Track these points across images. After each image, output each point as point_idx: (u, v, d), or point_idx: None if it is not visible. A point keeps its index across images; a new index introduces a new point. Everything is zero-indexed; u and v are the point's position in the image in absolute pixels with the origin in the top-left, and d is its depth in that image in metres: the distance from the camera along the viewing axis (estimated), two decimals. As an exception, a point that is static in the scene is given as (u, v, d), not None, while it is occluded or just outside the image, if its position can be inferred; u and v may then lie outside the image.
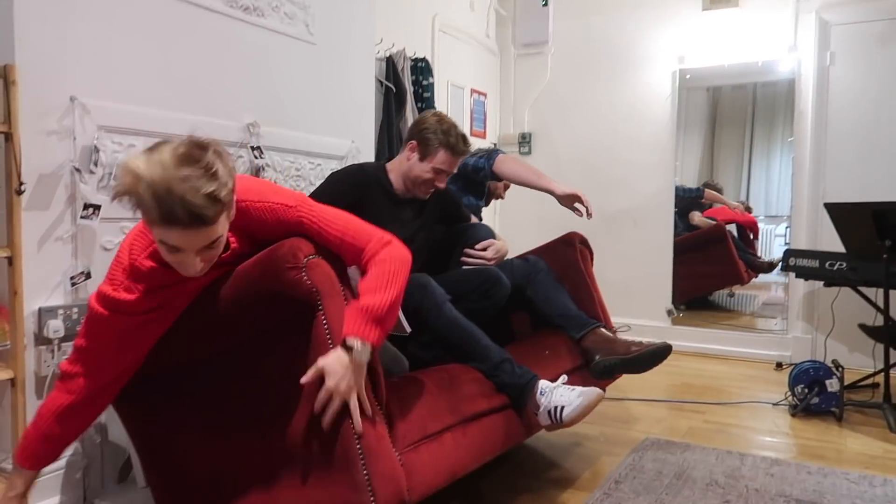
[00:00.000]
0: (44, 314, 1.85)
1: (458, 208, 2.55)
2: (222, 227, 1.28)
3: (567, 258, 2.50)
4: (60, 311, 1.88)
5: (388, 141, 3.53)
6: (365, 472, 1.29)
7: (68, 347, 1.90)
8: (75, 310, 1.92)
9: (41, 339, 1.86)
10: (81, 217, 1.92)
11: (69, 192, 1.91)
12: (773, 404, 3.17)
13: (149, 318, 1.42)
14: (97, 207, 1.94)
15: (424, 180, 2.23)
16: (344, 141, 2.95)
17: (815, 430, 2.81)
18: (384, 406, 1.41)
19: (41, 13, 1.82)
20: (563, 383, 1.89)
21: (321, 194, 2.09)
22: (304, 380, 1.30)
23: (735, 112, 4.71)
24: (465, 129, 4.57)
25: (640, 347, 2.23)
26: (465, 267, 2.35)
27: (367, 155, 3.16)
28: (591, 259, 2.58)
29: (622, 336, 2.39)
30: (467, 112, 4.56)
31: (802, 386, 3.01)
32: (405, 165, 2.25)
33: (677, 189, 4.60)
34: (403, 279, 1.42)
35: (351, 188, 2.17)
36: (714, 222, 4.72)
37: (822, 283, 3.45)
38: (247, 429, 1.43)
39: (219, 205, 1.22)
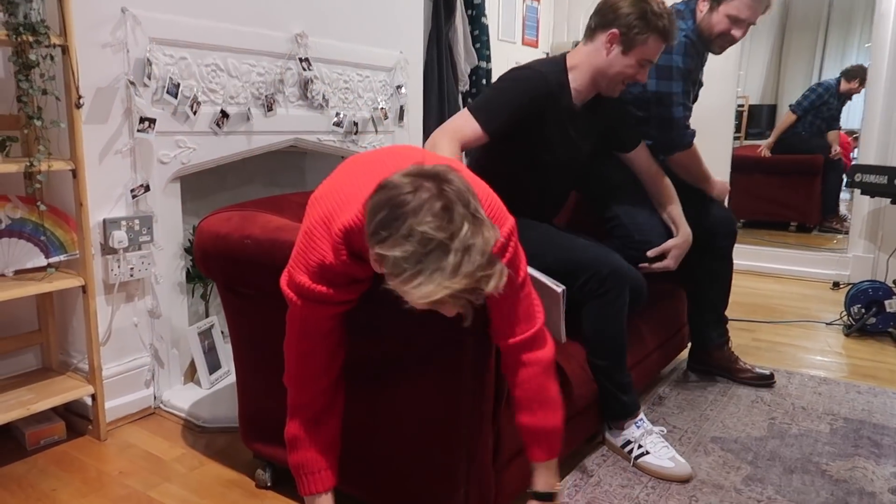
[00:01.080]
0: (108, 225, 1.93)
1: (628, 127, 2.07)
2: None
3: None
4: (123, 223, 1.96)
5: (438, 51, 3.44)
6: (465, 479, 1.33)
7: (133, 257, 1.99)
8: (137, 221, 1.99)
9: (107, 249, 1.95)
10: (138, 130, 1.96)
11: (125, 105, 1.94)
12: (827, 324, 3.12)
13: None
14: (153, 121, 1.98)
15: (627, 76, 1.83)
16: (392, 52, 2.89)
17: (869, 351, 2.77)
18: (496, 419, 1.38)
19: (88, -79, 1.80)
20: (663, 435, 1.82)
21: (494, 104, 1.77)
22: None
23: (808, 14, 4.40)
24: (517, 38, 4.42)
25: (748, 376, 2.37)
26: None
27: (416, 66, 3.09)
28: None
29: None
30: (520, 20, 4.38)
31: (859, 306, 2.94)
32: (602, 61, 1.81)
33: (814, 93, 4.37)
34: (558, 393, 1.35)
35: (531, 103, 1.78)
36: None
37: (888, 200, 3.30)
38: (361, 383, 1.41)
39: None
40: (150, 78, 1.97)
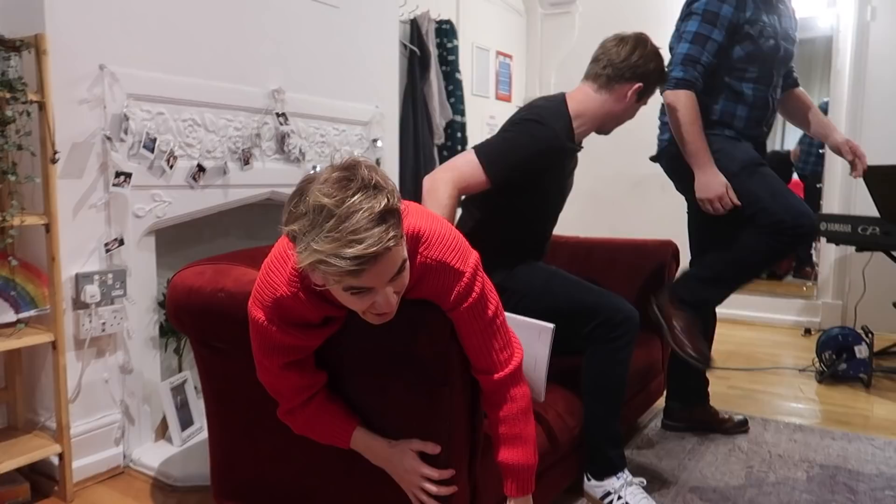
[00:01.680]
0: (80, 279, 1.91)
1: None
2: (402, 249, 1.07)
3: (653, 265, 2.42)
4: (96, 277, 1.94)
5: (413, 105, 3.51)
6: None
7: (105, 312, 1.97)
8: (110, 275, 1.97)
9: (79, 304, 1.92)
10: (113, 185, 1.96)
11: (101, 160, 1.95)
12: (800, 370, 3.15)
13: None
14: (128, 175, 1.98)
15: (628, 119, 1.97)
16: (368, 106, 2.95)
17: (841, 397, 2.80)
18: (473, 470, 1.37)
19: (69, -18, 1.84)
20: (643, 486, 1.81)
21: (503, 153, 1.77)
22: None
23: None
24: (490, 93, 4.53)
25: (729, 425, 2.33)
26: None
27: (392, 120, 3.15)
28: (676, 269, 2.50)
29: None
30: (492, 75, 4.50)
31: (830, 352, 2.99)
32: (620, 109, 1.90)
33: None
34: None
35: (540, 157, 1.80)
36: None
37: (853, 248, 3.39)
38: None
39: (396, 237, 1.02)
40: (126, 133, 1.98)
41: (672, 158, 2.20)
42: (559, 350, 1.58)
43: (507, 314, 1.38)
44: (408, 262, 1.10)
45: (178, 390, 2.22)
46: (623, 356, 1.75)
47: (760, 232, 1.97)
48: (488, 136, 1.89)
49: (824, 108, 4.14)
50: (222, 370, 1.57)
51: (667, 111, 2.08)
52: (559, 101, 1.91)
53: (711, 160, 2.03)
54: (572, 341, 1.73)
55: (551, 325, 1.53)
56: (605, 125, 1.94)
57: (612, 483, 1.79)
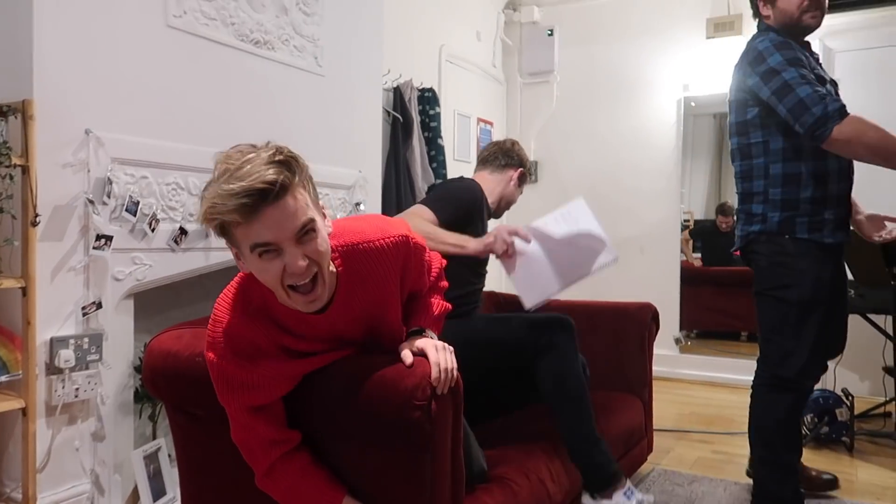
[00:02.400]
0: (55, 344, 1.88)
1: None
2: (306, 206, 1.12)
3: (633, 328, 2.45)
4: (72, 341, 1.91)
5: (396, 170, 3.57)
6: None
7: (79, 377, 1.92)
8: (86, 339, 1.94)
9: (52, 369, 1.88)
10: (94, 248, 1.96)
11: (82, 223, 1.95)
12: (783, 433, 3.14)
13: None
14: (109, 238, 1.98)
15: (512, 203, 2.35)
16: (351, 171, 2.99)
17: (825, 461, 2.79)
18: None
19: (59, 50, 1.88)
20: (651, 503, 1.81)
21: (447, 200, 2.08)
22: (408, 362, 1.24)
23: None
24: (472, 158, 4.62)
25: None
26: None
27: (375, 185, 3.20)
28: (656, 332, 2.54)
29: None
30: (474, 141, 4.61)
31: (812, 415, 2.98)
32: (507, 189, 2.30)
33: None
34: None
35: (472, 205, 2.14)
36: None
37: (830, 310, 3.43)
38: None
39: (288, 176, 1.09)
40: (109, 196, 1.99)
41: (770, 246, 2.05)
42: (514, 407, 1.92)
43: (536, 225, 1.89)
44: (319, 221, 1.15)
45: (152, 458, 2.15)
46: (569, 351, 1.82)
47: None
48: None
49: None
50: (198, 438, 1.53)
51: (844, 148, 1.90)
52: (471, 180, 2.26)
53: None
54: (519, 381, 1.92)
55: (579, 198, 1.90)
56: (498, 206, 2.30)
57: (620, 501, 1.75)
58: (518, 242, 1.88)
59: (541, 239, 1.87)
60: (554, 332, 1.83)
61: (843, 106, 1.88)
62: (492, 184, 2.28)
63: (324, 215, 1.20)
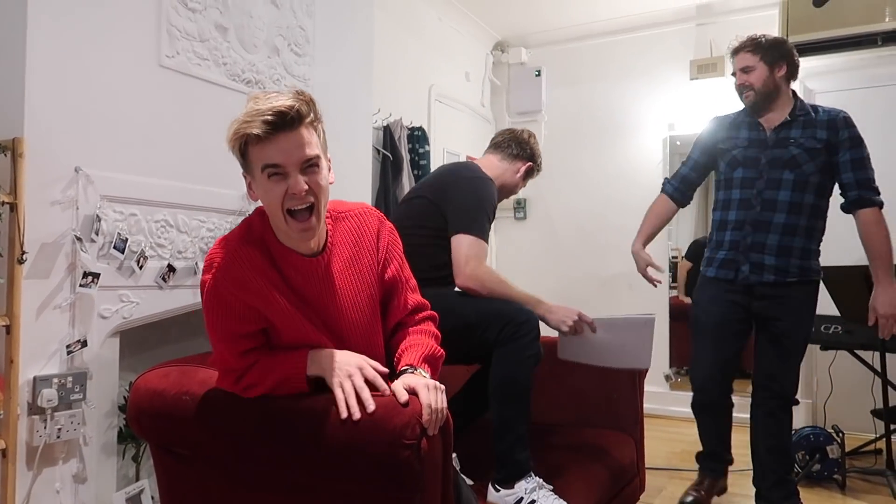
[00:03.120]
0: (38, 383, 1.84)
1: None
2: (316, 144, 1.32)
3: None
4: (55, 380, 1.88)
5: (386, 208, 3.59)
6: None
7: (62, 417, 1.89)
8: (69, 378, 1.91)
9: (34, 409, 1.85)
10: (81, 285, 1.94)
11: (69, 260, 1.94)
12: (775, 471, 3.11)
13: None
14: (96, 276, 1.97)
15: (514, 195, 2.37)
16: (342, 208, 3.00)
17: (817, 499, 2.77)
18: None
19: (50, 88, 1.89)
20: (552, 490, 1.80)
21: (485, 216, 2.07)
22: (402, 399, 1.25)
23: (726, 177, 4.80)
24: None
25: None
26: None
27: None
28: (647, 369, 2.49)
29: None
30: (463, 178, 4.64)
31: (803, 453, 2.97)
32: (512, 179, 2.31)
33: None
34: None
35: (493, 212, 2.16)
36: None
37: (818, 346, 3.45)
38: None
39: (306, 106, 1.28)
40: (97, 233, 1.98)
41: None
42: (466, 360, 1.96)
43: (607, 318, 2.05)
44: (324, 163, 1.34)
45: (134, 500, 2.10)
46: (526, 355, 1.83)
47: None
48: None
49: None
50: (183, 479, 1.50)
51: (869, 228, 2.39)
52: (473, 165, 2.27)
53: None
54: (478, 350, 1.93)
55: (653, 315, 2.05)
56: (499, 194, 2.25)
57: (521, 486, 1.76)
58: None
59: (603, 331, 2.07)
60: (519, 326, 1.84)
61: (665, 183, 2.81)
62: (498, 170, 2.27)
63: (329, 166, 1.38)
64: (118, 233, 2.04)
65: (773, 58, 2.42)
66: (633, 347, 2.05)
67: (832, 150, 2.37)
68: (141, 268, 2.11)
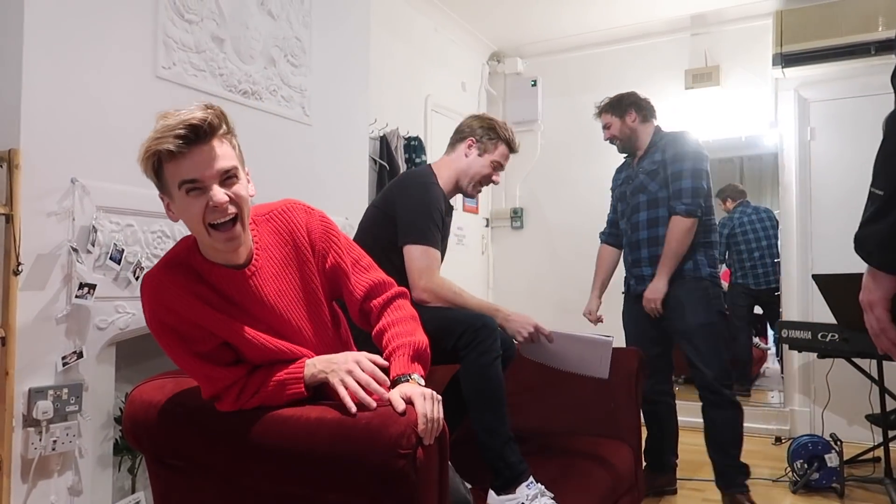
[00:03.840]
0: (33, 395, 1.84)
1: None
2: (232, 156, 1.30)
3: (621, 373, 2.40)
4: (51, 392, 1.87)
5: (382, 217, 3.58)
6: None
7: (57, 429, 1.88)
8: (65, 390, 1.90)
9: (29, 421, 1.84)
10: (76, 296, 1.93)
11: (65, 271, 1.93)
12: (774, 481, 3.11)
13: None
14: (92, 287, 1.96)
15: (484, 176, 2.26)
16: (338, 218, 2.99)
17: (816, 508, 2.76)
18: None
19: (46, 99, 1.89)
20: (552, 499, 1.79)
21: (430, 224, 2.07)
22: (399, 408, 1.24)
23: (723, 184, 4.82)
24: (458, 206, 4.67)
25: None
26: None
27: (361, 231, 3.20)
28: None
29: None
30: (460, 187, 4.65)
31: (801, 461, 2.97)
32: (462, 163, 2.25)
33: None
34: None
35: (443, 202, 2.16)
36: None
37: (815, 354, 3.45)
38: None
39: (217, 118, 1.27)
40: (93, 244, 1.98)
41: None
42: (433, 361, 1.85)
43: (566, 333, 2.05)
44: (242, 174, 1.32)
45: (130, 513, 2.09)
46: (492, 357, 1.83)
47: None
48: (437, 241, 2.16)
49: (775, 219, 4.36)
50: (179, 490, 1.50)
51: (677, 228, 2.72)
52: (429, 170, 2.28)
53: None
54: (444, 357, 1.87)
55: (612, 338, 2.06)
56: (460, 182, 2.26)
57: (523, 492, 1.75)
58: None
59: (560, 343, 2.08)
60: (476, 332, 1.84)
61: (601, 235, 3.27)
62: (450, 167, 2.27)
63: (248, 178, 1.36)
64: (114, 244, 2.04)
65: (621, 111, 2.93)
66: (591, 362, 2.08)
67: (664, 167, 2.81)
68: (137, 279, 2.11)
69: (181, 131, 1.21)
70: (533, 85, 4.95)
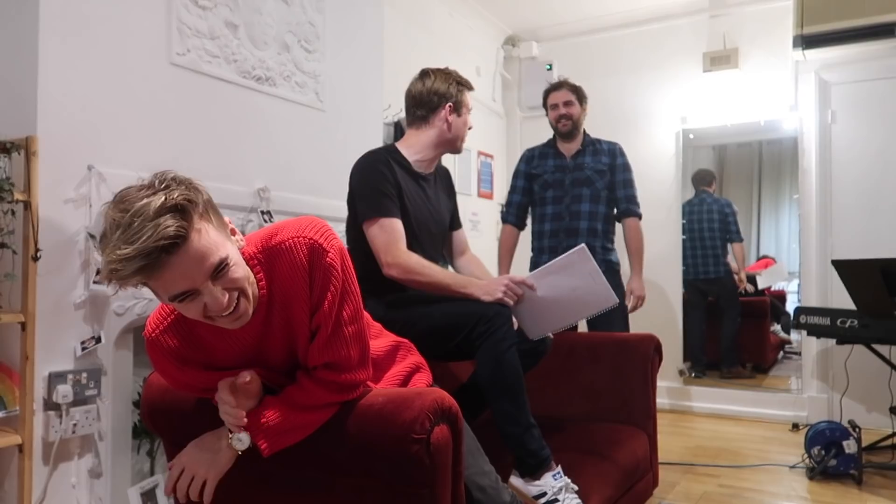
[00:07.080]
0: (53, 379, 1.87)
1: (451, 180, 2.41)
2: (216, 242, 1.10)
3: (636, 359, 2.41)
4: (70, 376, 1.90)
5: (397, 203, 3.58)
6: None
7: (77, 412, 1.91)
8: (84, 374, 1.93)
9: (50, 405, 1.87)
10: (94, 282, 1.96)
11: (83, 257, 1.96)
12: (790, 467, 3.10)
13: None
14: (110, 273, 1.98)
15: (468, 129, 2.21)
16: (353, 204, 3.00)
17: (833, 494, 2.74)
18: None
19: (63, 86, 1.91)
20: (577, 493, 1.77)
21: (380, 193, 1.97)
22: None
23: (741, 169, 4.75)
24: (473, 191, 4.65)
25: None
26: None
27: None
28: (660, 364, 2.50)
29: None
30: (474, 174, 4.63)
31: (819, 448, 2.94)
32: (447, 135, 2.14)
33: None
34: (323, 420, 1.30)
35: (391, 173, 2.02)
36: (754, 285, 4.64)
37: (834, 340, 3.41)
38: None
39: (184, 207, 1.06)
40: (111, 231, 2.00)
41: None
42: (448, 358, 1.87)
43: (538, 271, 1.92)
44: (231, 258, 1.12)
45: (149, 495, 2.12)
46: (507, 345, 1.80)
47: None
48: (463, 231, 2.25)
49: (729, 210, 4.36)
50: (196, 473, 1.51)
51: (632, 232, 3.14)
52: (384, 149, 2.17)
53: None
54: (460, 350, 1.87)
55: (581, 245, 1.90)
56: (445, 148, 2.18)
57: (548, 482, 1.73)
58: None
59: (544, 285, 1.93)
60: (489, 320, 1.81)
61: (505, 215, 3.32)
62: (422, 139, 2.13)
63: (233, 232, 1.19)
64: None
65: (581, 98, 3.15)
66: (585, 290, 1.90)
67: (612, 171, 3.11)
68: (154, 265, 2.12)
69: (145, 262, 1.01)
70: (548, 69, 4.89)
